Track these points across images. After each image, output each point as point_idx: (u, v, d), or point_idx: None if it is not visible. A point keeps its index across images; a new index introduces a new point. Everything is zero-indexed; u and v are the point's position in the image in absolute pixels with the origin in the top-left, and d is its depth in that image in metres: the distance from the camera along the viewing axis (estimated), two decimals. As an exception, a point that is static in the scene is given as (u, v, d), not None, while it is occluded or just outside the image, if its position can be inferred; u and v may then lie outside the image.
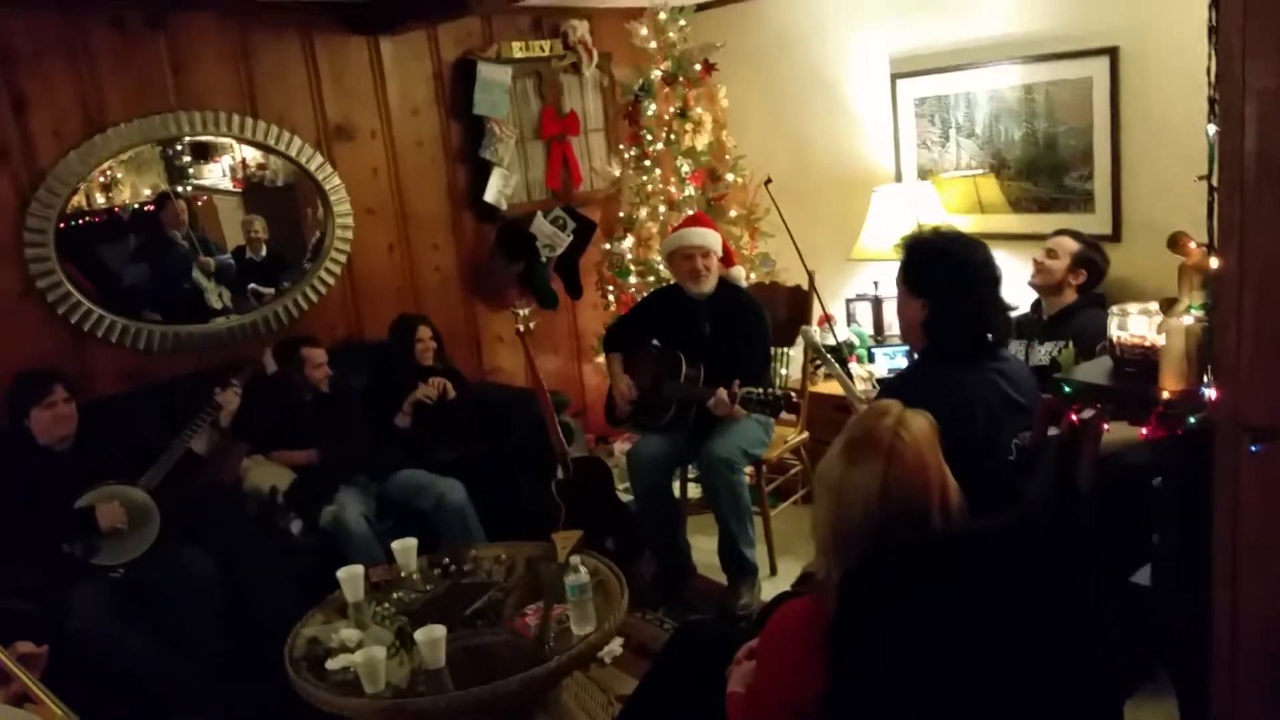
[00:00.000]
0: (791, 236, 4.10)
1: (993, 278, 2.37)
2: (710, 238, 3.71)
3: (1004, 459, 2.23)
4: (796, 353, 4.23)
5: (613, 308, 4.77)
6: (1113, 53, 3.53)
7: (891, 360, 4.26)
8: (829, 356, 3.43)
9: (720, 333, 3.74)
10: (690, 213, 4.49)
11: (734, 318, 3.75)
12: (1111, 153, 3.62)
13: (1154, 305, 2.01)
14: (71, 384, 3.27)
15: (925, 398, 1.80)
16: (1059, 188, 3.83)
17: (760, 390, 3.39)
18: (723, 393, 3.44)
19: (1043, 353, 3.32)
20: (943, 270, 2.36)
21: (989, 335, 2.37)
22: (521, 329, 4.22)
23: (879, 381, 3.98)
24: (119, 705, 2.09)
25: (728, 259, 3.84)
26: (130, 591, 3.08)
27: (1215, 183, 1.50)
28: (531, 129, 4.87)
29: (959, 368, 2.32)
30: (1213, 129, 1.49)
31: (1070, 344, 2.99)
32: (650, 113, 4.58)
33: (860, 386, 3.97)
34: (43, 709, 1.81)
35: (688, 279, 3.74)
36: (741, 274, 3.98)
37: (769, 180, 4.22)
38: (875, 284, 4.45)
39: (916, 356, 2.56)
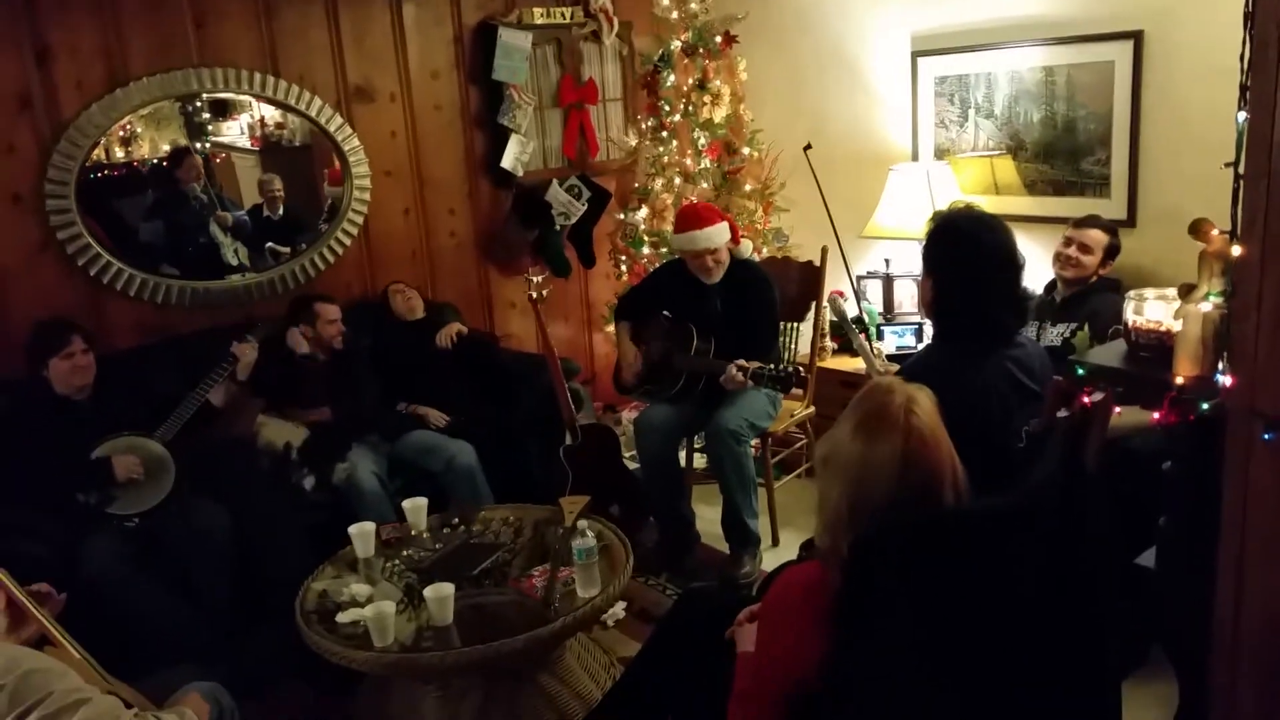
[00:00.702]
0: (825, 203, 4.10)
1: (1004, 262, 2.30)
2: (718, 236, 3.68)
3: (1013, 446, 2.20)
4: (806, 327, 4.24)
5: (625, 278, 4.79)
6: (1137, 36, 3.51)
7: (900, 339, 4.27)
8: (854, 327, 3.44)
9: (731, 308, 3.75)
10: (696, 196, 4.48)
11: (744, 293, 3.76)
12: (1130, 138, 3.61)
13: (1171, 291, 2.02)
14: (89, 335, 3.29)
15: (937, 384, 1.80)
16: (1075, 171, 3.82)
17: (772, 366, 3.40)
18: (733, 368, 3.45)
19: (1054, 334, 3.33)
20: (951, 250, 2.31)
21: (995, 322, 2.30)
22: (534, 296, 4.24)
23: (894, 361, 3.98)
24: (129, 652, 2.12)
25: (734, 236, 3.83)
26: (144, 541, 3.12)
27: (1241, 170, 1.50)
28: (550, 96, 4.86)
29: (971, 353, 2.28)
30: (1243, 116, 1.50)
31: (1086, 327, 2.99)
32: (669, 84, 4.56)
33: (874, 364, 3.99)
34: (61, 651, 1.85)
35: (699, 273, 3.75)
36: (749, 248, 3.97)
37: (808, 146, 4.22)
38: (887, 262, 4.46)
39: (931, 339, 2.54)
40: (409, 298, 4.09)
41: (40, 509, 2.98)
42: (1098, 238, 3.40)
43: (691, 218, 3.73)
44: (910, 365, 2.40)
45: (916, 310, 4.31)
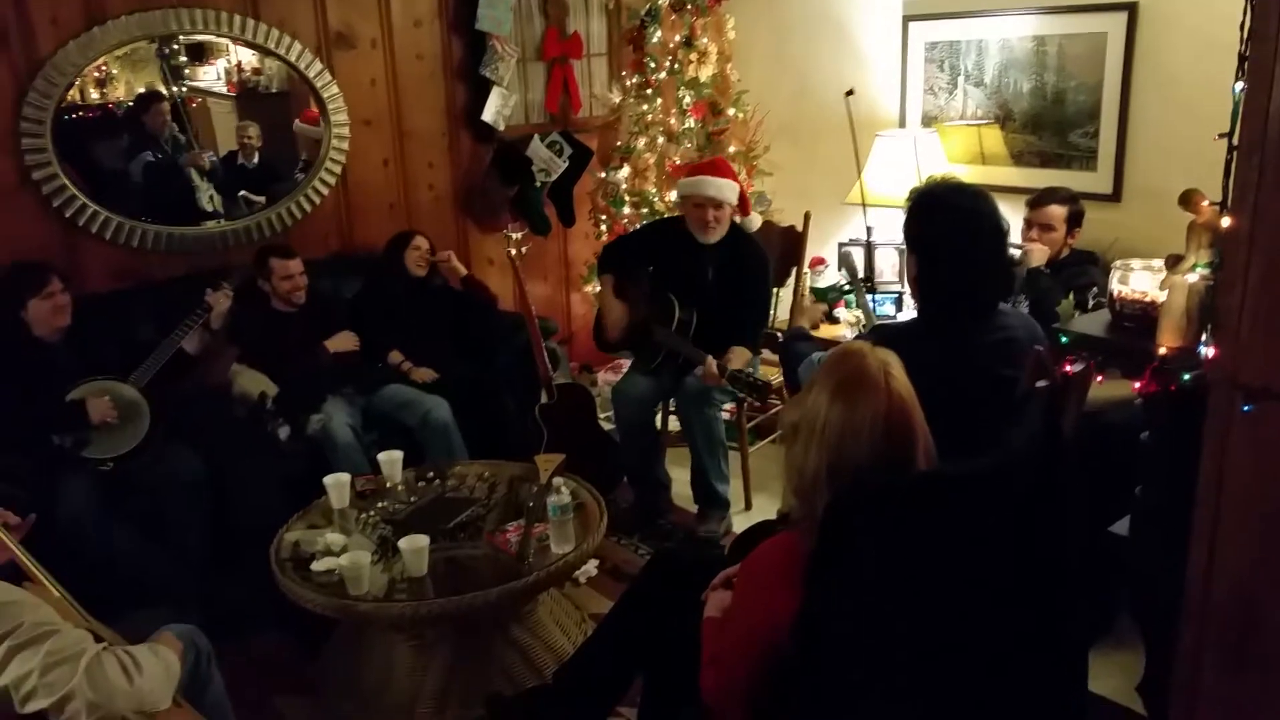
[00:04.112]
0: (857, 157, 4.06)
1: (989, 231, 2.26)
2: (728, 190, 3.62)
3: (981, 428, 2.19)
4: (786, 293, 4.24)
5: (604, 237, 4.75)
6: (1131, 8, 3.50)
7: (880, 308, 4.27)
8: (860, 285, 3.41)
9: (723, 281, 3.69)
10: (680, 158, 4.45)
11: (739, 270, 3.70)
12: (1120, 111, 3.62)
13: (1158, 262, 2.03)
14: (65, 276, 3.25)
15: (913, 359, 1.78)
16: (1063, 144, 3.82)
17: (749, 373, 3.39)
18: (712, 363, 3.41)
19: (1026, 308, 3.33)
20: (934, 223, 2.27)
21: (979, 294, 2.27)
22: (512, 253, 4.20)
23: (874, 328, 3.98)
24: (105, 594, 2.13)
25: (744, 208, 3.78)
26: (118, 485, 3.10)
27: (1235, 142, 1.50)
28: (534, 49, 4.79)
29: (950, 335, 2.25)
30: (1240, 86, 1.49)
31: (1070, 296, 2.99)
32: (655, 40, 4.52)
33: (849, 333, 4.00)
34: (40, 589, 1.85)
35: (695, 226, 3.67)
36: (756, 223, 3.92)
37: (850, 92, 4.18)
38: (869, 230, 4.45)
39: (916, 312, 2.48)
40: (424, 255, 4.03)
41: (15, 450, 2.96)
42: (1056, 212, 3.42)
43: (706, 166, 3.68)
44: (885, 329, 2.37)
45: (897, 279, 4.31)
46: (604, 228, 4.78)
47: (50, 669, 1.58)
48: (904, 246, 2.40)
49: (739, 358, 3.54)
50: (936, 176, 2.39)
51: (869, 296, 4.26)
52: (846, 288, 4.19)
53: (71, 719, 1.59)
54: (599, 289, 4.02)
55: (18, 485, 2.80)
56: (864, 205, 4.19)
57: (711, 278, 3.70)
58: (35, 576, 1.91)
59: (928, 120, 4.26)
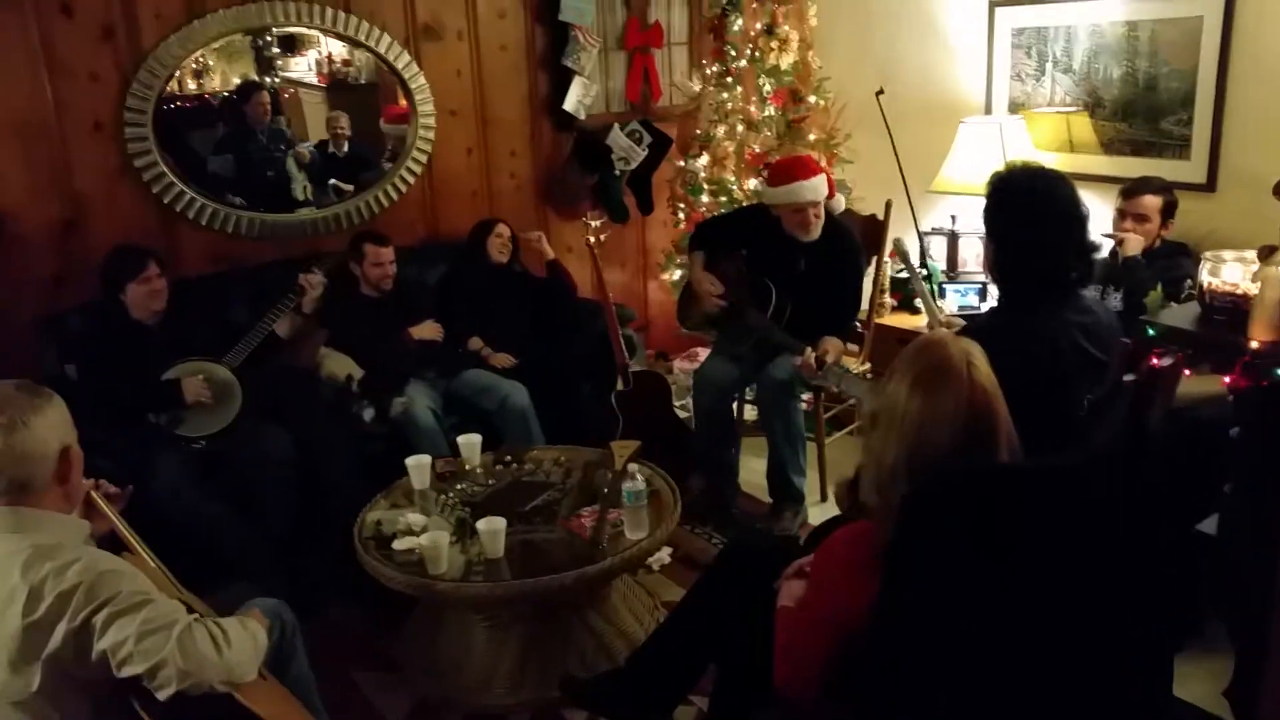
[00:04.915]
0: (895, 150, 4.03)
1: (1068, 215, 2.21)
2: (822, 187, 3.57)
3: (1074, 414, 2.14)
4: (865, 283, 4.19)
5: (683, 225, 4.76)
6: (1229, -9, 3.38)
7: (963, 298, 4.21)
8: (917, 274, 3.36)
9: (816, 273, 3.64)
10: (760, 145, 4.40)
11: (832, 260, 3.64)
12: (1215, 98, 3.49)
13: (1250, 253, 1.96)
14: (162, 261, 3.36)
15: (1000, 346, 1.76)
16: (1155, 131, 3.71)
17: (846, 369, 3.23)
18: (811, 355, 3.30)
19: (1117, 300, 3.24)
20: (1011, 208, 2.23)
21: (1057, 275, 2.22)
22: (591, 240, 4.24)
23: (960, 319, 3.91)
24: (192, 567, 2.21)
25: (830, 190, 3.72)
26: (210, 463, 3.21)
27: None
28: (615, 39, 4.82)
29: (1034, 316, 2.21)
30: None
31: (1159, 287, 2.90)
32: (736, 28, 4.50)
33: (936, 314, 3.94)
34: (138, 560, 1.93)
35: (796, 229, 3.61)
36: (842, 202, 3.86)
37: (880, 91, 4.14)
38: (953, 218, 4.38)
39: (996, 303, 2.44)
40: (506, 242, 4.10)
41: (113, 427, 3.06)
42: (1150, 202, 3.31)
43: (795, 168, 3.59)
44: (973, 325, 2.34)
45: (981, 270, 4.23)
46: (682, 216, 4.79)
47: (145, 636, 1.64)
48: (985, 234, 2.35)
49: (834, 349, 3.50)
50: (1016, 162, 2.35)
51: (946, 286, 4.19)
52: (904, 277, 4.11)
53: (163, 686, 1.64)
54: (689, 264, 3.96)
55: (115, 461, 2.92)
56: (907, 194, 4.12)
57: (804, 269, 3.65)
58: (133, 547, 2.00)
59: (1014, 107, 4.17)
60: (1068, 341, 2.19)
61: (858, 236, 3.88)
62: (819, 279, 3.63)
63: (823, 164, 4.47)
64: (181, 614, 1.71)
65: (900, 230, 4.10)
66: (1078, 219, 2.23)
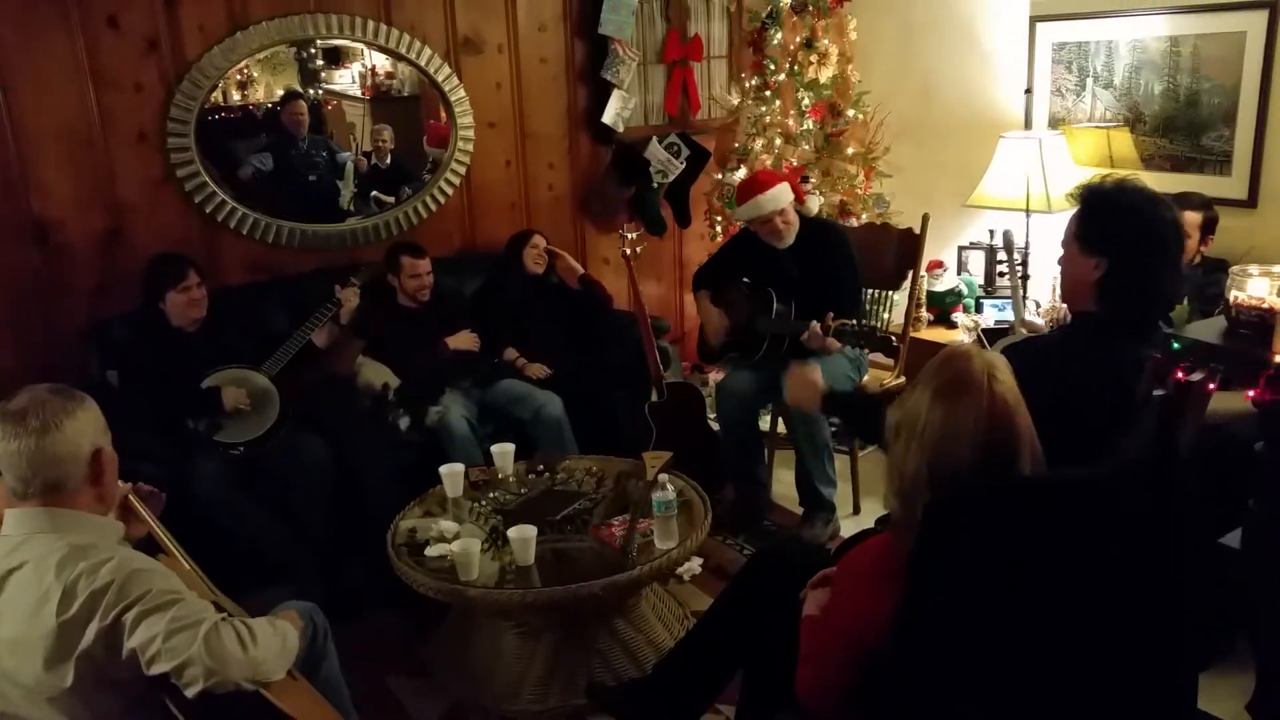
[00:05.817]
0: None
1: (1180, 242, 2.14)
2: (782, 196, 3.65)
3: (1106, 447, 2.08)
4: (901, 297, 4.18)
5: (719, 238, 4.77)
6: (1272, 7, 3.34)
7: (1000, 313, 4.18)
8: (1017, 269, 3.36)
9: (807, 270, 3.70)
10: (796, 159, 4.42)
11: (818, 253, 3.71)
12: (1258, 113, 3.45)
13: (1278, 268, 1.94)
14: (202, 269, 3.43)
15: (1059, 373, 1.71)
16: (1195, 147, 3.67)
17: (854, 322, 3.36)
18: (816, 325, 3.41)
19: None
20: (1128, 228, 2.11)
21: (1167, 298, 2.15)
22: (628, 252, 4.26)
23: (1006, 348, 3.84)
24: (230, 571, 2.24)
25: (797, 195, 3.78)
26: (248, 469, 3.26)
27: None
28: (654, 52, 4.85)
29: (1109, 345, 2.11)
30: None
31: (1185, 301, 2.85)
32: (776, 42, 4.51)
33: (966, 337, 3.92)
34: (172, 561, 1.97)
35: (771, 238, 3.71)
36: (814, 206, 3.93)
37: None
38: (991, 233, 4.36)
39: (1069, 322, 2.34)
40: (541, 254, 4.15)
41: (153, 433, 3.12)
42: (1191, 219, 3.28)
43: (753, 185, 3.71)
44: (1019, 345, 2.24)
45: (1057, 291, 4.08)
46: (719, 229, 4.80)
47: (172, 635, 1.66)
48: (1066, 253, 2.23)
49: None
50: (1114, 176, 2.25)
51: (983, 299, 4.16)
52: (940, 291, 4.09)
53: (189, 683, 1.67)
54: (696, 304, 4.05)
55: (154, 466, 2.98)
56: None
57: (796, 274, 3.72)
58: (169, 549, 2.03)
59: (1054, 122, 4.14)
60: (1134, 376, 2.06)
61: (885, 251, 3.88)
62: (813, 278, 3.69)
63: (860, 179, 4.48)
64: (209, 612, 1.74)
65: (938, 247, 4.09)
66: (1181, 245, 2.17)
